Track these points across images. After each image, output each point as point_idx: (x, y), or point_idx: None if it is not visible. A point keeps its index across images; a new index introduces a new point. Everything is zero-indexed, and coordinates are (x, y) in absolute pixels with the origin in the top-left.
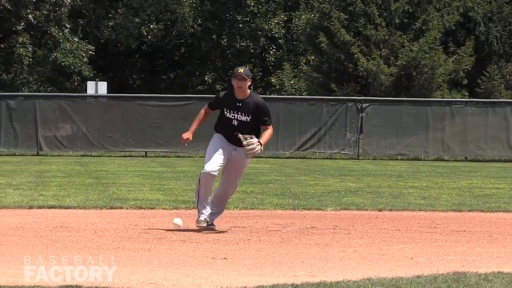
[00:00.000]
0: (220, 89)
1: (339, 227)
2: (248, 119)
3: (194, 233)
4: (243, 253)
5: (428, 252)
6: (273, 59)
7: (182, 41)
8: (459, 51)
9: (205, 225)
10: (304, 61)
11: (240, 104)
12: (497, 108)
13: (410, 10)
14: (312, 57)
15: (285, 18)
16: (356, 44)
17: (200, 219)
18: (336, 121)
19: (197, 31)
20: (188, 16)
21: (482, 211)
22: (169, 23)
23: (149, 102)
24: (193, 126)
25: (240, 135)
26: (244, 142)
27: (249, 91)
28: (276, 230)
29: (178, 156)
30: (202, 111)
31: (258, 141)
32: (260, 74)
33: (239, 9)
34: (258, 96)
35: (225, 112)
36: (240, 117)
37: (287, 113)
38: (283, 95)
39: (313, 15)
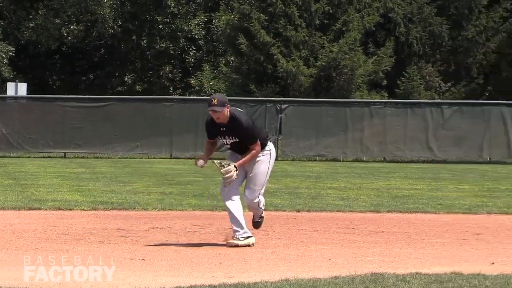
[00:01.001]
0: (139, 89)
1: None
2: (237, 139)
3: (112, 234)
4: (161, 254)
5: (346, 253)
6: (192, 60)
7: (102, 42)
8: (379, 52)
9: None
10: (223, 62)
11: (224, 129)
12: (416, 109)
13: (331, 11)
14: (232, 58)
15: (205, 19)
16: (276, 45)
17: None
18: (255, 122)
19: (117, 32)
20: (108, 17)
21: (400, 212)
22: (89, 24)
23: (69, 103)
24: (203, 154)
25: (216, 162)
26: (222, 170)
27: (228, 114)
28: (195, 231)
29: (97, 157)
30: (206, 145)
31: (234, 166)
32: (180, 75)
33: (159, 10)
34: (240, 116)
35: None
36: (229, 140)
37: (206, 114)
38: (203, 96)
39: (233, 16)
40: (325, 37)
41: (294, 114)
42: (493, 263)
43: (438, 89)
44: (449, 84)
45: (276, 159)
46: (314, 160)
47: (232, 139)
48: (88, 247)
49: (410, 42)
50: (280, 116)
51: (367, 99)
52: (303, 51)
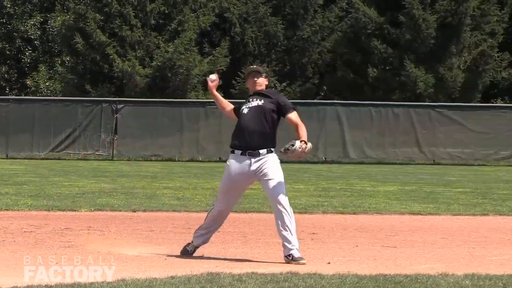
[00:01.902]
0: None
1: (93, 228)
2: (260, 102)
3: None
4: None
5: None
6: (28, 60)
7: None
8: (214, 52)
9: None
10: (59, 62)
11: (254, 94)
12: None
13: (166, 11)
14: (68, 58)
15: (41, 20)
16: (112, 45)
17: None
18: (91, 122)
19: None
20: None
21: (236, 211)
22: None
23: None
24: (221, 101)
25: (282, 149)
26: (289, 153)
27: (265, 88)
28: (31, 231)
29: None
30: (228, 113)
31: (301, 141)
32: (16, 75)
33: None
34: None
35: (241, 110)
36: (251, 104)
37: (42, 114)
38: (38, 96)
39: (68, 16)
40: (160, 37)
41: (130, 114)
42: (329, 263)
43: (273, 88)
44: (284, 84)
45: (112, 159)
46: (150, 160)
47: (257, 100)
48: None
49: (245, 42)
50: (116, 116)
51: (202, 99)
52: (139, 51)
